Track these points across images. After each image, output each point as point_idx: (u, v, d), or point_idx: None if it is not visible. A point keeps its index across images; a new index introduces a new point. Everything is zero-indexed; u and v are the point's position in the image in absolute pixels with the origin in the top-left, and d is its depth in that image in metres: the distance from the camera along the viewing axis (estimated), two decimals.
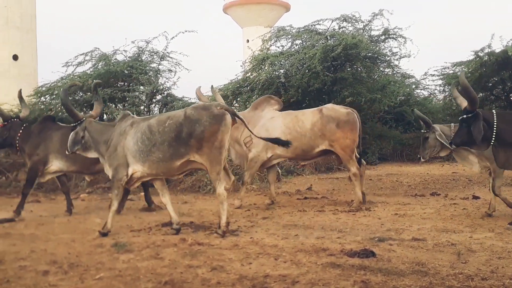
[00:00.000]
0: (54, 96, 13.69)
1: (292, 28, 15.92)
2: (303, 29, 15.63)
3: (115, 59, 13.40)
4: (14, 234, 6.04)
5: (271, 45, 16.39)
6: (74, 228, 6.45)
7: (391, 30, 15.25)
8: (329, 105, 8.34)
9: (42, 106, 13.82)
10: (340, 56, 14.22)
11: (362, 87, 14.42)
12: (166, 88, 13.30)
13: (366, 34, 15.43)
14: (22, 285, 3.90)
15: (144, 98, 13.06)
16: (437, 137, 7.03)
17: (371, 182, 11.20)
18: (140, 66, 12.91)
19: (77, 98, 13.14)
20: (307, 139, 7.87)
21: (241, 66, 17.12)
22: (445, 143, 6.92)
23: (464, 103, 5.74)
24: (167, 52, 13.46)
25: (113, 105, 12.69)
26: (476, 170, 7.01)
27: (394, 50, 15.36)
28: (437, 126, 7.19)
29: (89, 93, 12.58)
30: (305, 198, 9.03)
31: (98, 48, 13.64)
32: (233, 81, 15.99)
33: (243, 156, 8.24)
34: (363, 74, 14.67)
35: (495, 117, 5.61)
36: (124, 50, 13.55)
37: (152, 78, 13.22)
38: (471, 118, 5.58)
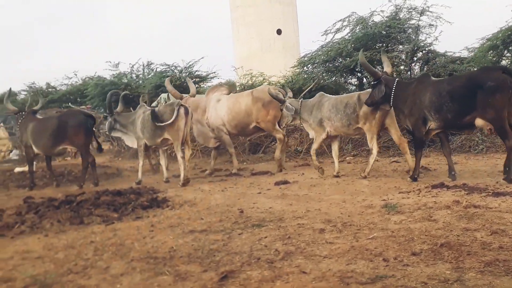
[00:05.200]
0: (316, 64, 14.31)
1: None
2: None
3: (372, 21, 13.25)
4: (289, 195, 6.52)
5: None
6: (343, 190, 6.65)
7: None
8: (260, 87, 9.71)
9: (305, 76, 14.60)
10: None
11: None
12: (427, 45, 12.58)
13: None
14: (302, 241, 4.16)
15: (404, 57, 12.65)
16: (285, 109, 8.36)
17: None
18: (398, 24, 12.50)
19: (336, 64, 13.50)
20: (242, 117, 9.33)
21: None
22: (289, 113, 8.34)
23: (386, 68, 7.48)
24: (427, 7, 12.70)
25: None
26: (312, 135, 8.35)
27: None
28: (288, 100, 8.39)
29: (348, 59, 12.79)
30: None
31: (355, 12, 13.71)
32: (503, 28, 14.29)
33: (204, 134, 9.92)
34: None
35: (395, 84, 7.07)
36: (381, 11, 13.30)
37: (411, 35, 12.70)
38: (377, 84, 7.18)
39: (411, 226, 4.42)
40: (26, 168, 11.10)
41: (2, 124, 21.79)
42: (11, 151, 18.97)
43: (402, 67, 12.75)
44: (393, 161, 9.01)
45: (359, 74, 13.75)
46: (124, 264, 3.87)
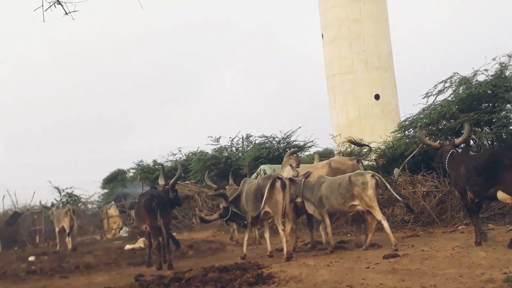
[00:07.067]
0: (417, 128, 13.95)
1: None
2: None
3: (476, 80, 12.84)
4: (401, 270, 6.16)
5: None
6: (459, 263, 6.20)
7: None
8: (337, 158, 10.26)
9: (406, 140, 14.23)
10: None
11: None
12: None
13: None
14: None
15: None
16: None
17: None
18: (505, 83, 11.95)
19: (440, 127, 13.07)
20: None
21: None
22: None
23: (459, 138, 8.42)
24: None
25: (480, 129, 12.09)
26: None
27: None
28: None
29: (452, 121, 12.35)
30: None
31: (457, 73, 13.38)
32: None
33: None
34: None
35: (448, 155, 7.84)
36: (485, 70, 12.85)
37: None
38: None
39: None
40: (136, 245, 11.56)
41: (113, 202, 23.08)
42: (121, 228, 19.97)
43: None
44: (510, 229, 8.33)
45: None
46: None
